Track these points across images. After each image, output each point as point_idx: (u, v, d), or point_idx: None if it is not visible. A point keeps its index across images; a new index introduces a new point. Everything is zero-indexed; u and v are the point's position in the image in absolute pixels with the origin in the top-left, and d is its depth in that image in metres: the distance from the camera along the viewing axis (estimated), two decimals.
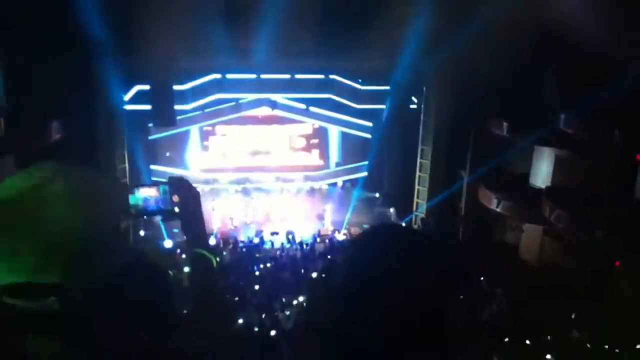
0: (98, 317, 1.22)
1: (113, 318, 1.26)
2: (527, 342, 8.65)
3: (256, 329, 9.20)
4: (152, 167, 15.38)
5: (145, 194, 1.71)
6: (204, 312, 1.65)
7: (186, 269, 11.32)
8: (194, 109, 14.70)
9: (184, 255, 11.76)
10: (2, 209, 1.10)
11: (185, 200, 1.70)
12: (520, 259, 11.76)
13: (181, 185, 1.71)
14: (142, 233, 13.91)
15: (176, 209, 1.69)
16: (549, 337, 8.73)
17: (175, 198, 1.69)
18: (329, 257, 12.50)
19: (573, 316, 9.22)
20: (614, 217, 9.58)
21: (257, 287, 10.78)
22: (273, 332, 9.03)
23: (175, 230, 12.88)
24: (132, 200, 1.71)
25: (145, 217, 1.71)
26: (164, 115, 12.87)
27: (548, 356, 8.26)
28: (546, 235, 11.22)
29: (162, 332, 1.50)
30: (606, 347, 8.07)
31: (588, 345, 8.34)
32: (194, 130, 16.31)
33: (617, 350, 8.06)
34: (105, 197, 1.23)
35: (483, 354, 7.87)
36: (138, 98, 13.76)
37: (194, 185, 1.78)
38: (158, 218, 1.73)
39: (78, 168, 1.29)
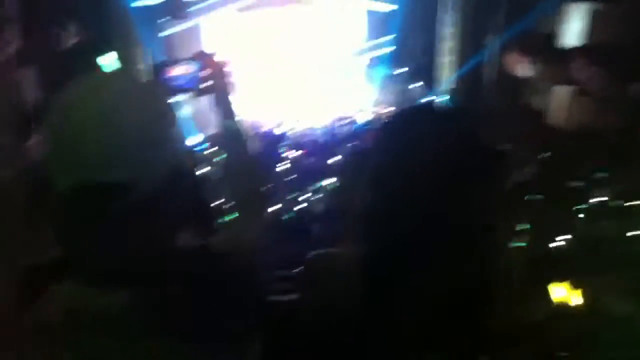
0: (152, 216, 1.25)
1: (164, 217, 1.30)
2: (563, 201, 8.61)
3: (286, 217, 9.44)
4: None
5: (176, 71, 1.68)
6: (244, 186, 1.64)
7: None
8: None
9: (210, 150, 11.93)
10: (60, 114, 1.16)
11: (216, 73, 1.71)
12: (549, 123, 11.48)
13: (210, 58, 1.72)
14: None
15: (206, 84, 1.71)
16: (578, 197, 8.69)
17: (205, 72, 1.61)
18: (357, 140, 12.46)
19: (603, 176, 9.10)
20: None
21: (284, 173, 10.96)
22: (300, 207, 9.29)
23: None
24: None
25: (178, 94, 1.70)
26: (173, 7, 12.51)
27: (580, 215, 8.28)
28: (576, 95, 10.82)
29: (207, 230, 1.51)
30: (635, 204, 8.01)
31: (619, 203, 8.28)
32: (209, 24, 15.80)
33: None
34: (151, 96, 1.24)
35: (519, 216, 7.94)
36: None
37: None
38: (190, 95, 1.73)
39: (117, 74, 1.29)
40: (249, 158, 1.74)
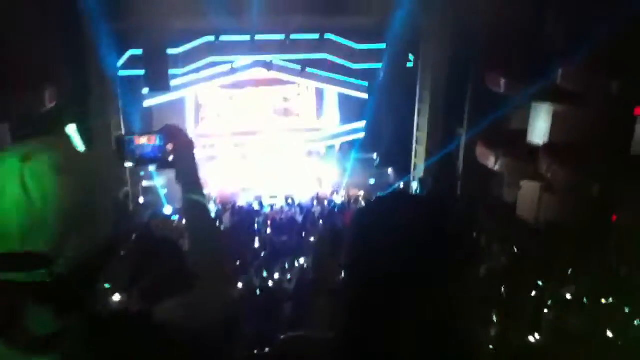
0: (90, 287, 1.21)
1: (110, 286, 1.27)
2: (526, 296, 8.72)
3: (258, 292, 9.30)
4: None
5: (141, 143, 1.69)
6: (204, 259, 1.63)
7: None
8: (188, 73, 14.52)
9: (184, 221, 11.81)
10: None
11: (180, 147, 1.70)
12: (518, 216, 11.81)
13: (175, 133, 1.71)
14: (141, 200, 13.95)
15: (170, 158, 1.69)
16: (545, 293, 8.82)
17: (170, 146, 1.69)
18: (330, 220, 12.52)
19: (570, 272, 9.31)
20: (611, 172, 9.57)
21: (257, 249, 10.87)
22: (271, 284, 9.17)
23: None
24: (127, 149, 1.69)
25: (140, 165, 1.73)
26: (158, 80, 12.70)
27: (545, 310, 8.36)
28: (543, 191, 11.23)
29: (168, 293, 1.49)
30: (602, 301, 8.17)
31: (585, 300, 8.43)
32: (190, 96, 16.14)
33: (611, 304, 8.15)
34: (94, 169, 1.22)
35: (481, 311, 7.96)
36: (132, 63, 13.57)
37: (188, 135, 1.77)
38: (153, 167, 1.74)
39: (65, 141, 1.28)
40: (211, 231, 1.76)
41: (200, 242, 1.69)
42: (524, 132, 11.98)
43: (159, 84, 12.94)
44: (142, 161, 1.71)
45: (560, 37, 10.98)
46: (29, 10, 10.30)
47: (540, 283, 9.05)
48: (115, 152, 1.69)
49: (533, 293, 8.79)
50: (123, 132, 12.49)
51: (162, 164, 1.71)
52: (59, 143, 1.24)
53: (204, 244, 1.68)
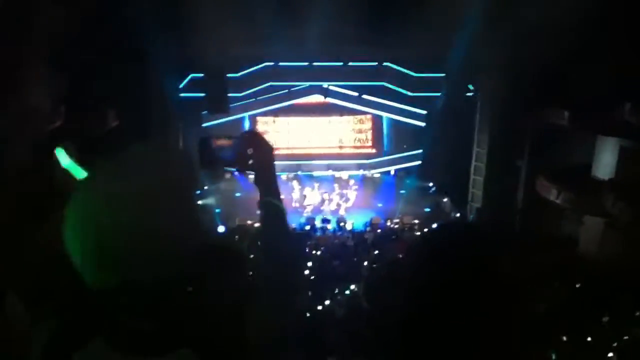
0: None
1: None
2: (588, 339, 8.34)
3: (307, 314, 9.24)
4: None
5: (221, 145, 1.76)
6: (276, 265, 1.64)
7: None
8: (247, 97, 14.82)
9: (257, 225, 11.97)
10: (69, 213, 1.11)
11: (260, 152, 1.74)
12: (580, 252, 11.34)
13: (257, 138, 1.76)
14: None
15: (250, 161, 1.73)
16: (608, 334, 8.40)
17: (250, 150, 1.73)
18: (383, 248, 12.34)
19: (637, 314, 8.84)
20: None
21: (307, 273, 10.83)
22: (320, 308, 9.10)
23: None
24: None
25: (220, 166, 1.75)
26: (217, 103, 13.06)
27: (610, 354, 7.96)
28: (607, 228, 10.75)
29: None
30: None
31: None
32: (247, 119, 16.46)
33: None
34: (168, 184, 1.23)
35: (539, 350, 7.64)
36: (192, 86, 13.98)
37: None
38: (233, 170, 1.78)
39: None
40: (287, 235, 1.76)
41: (274, 247, 1.70)
42: (587, 166, 11.57)
43: (218, 106, 13.28)
44: (222, 162, 1.77)
45: (628, 70, 10.63)
46: (97, 35, 10.77)
47: (604, 320, 8.66)
48: (197, 152, 1.77)
49: (596, 331, 8.40)
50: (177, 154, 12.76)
51: (243, 167, 1.76)
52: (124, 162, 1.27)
53: (278, 248, 1.70)
